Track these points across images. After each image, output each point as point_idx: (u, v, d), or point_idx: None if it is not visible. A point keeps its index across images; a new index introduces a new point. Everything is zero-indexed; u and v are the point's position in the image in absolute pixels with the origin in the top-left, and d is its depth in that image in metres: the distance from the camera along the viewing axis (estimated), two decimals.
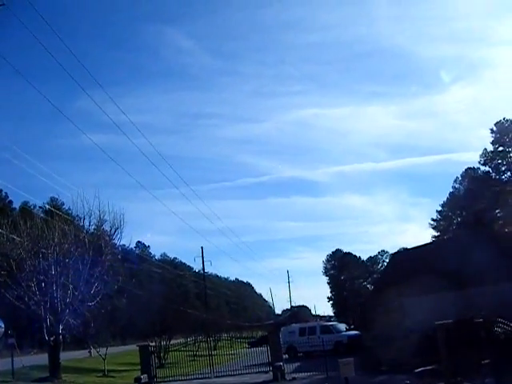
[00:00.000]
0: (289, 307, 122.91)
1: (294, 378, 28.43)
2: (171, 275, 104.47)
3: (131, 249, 73.40)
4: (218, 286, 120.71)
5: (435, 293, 27.82)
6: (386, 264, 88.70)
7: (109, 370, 37.90)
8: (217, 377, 31.39)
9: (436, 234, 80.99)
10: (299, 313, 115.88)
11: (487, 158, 72.82)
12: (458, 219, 78.93)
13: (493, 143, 71.60)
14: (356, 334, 40.06)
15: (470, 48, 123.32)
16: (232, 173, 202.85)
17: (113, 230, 34.23)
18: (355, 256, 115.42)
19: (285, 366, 29.58)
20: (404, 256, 42.83)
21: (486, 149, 72.68)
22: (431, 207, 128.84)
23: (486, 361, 19.52)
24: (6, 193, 77.14)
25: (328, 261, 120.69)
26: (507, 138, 70.43)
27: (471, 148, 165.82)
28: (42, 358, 35.51)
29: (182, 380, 31.37)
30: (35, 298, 30.62)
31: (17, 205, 75.00)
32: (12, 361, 31.16)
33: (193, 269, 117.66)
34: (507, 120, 69.73)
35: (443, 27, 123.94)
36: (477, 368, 19.35)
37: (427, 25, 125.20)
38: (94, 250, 32.63)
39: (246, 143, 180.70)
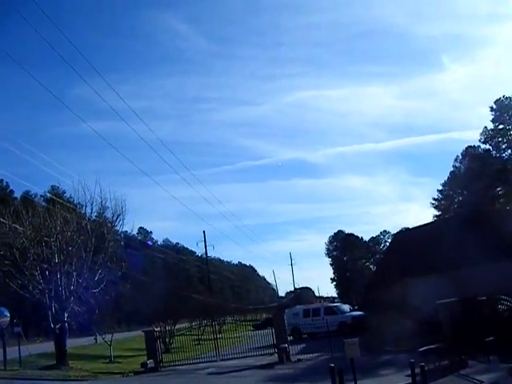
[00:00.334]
0: (292, 289, 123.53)
1: (299, 360, 28.59)
2: (174, 260, 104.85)
3: (133, 235, 73.78)
4: (220, 269, 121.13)
5: (438, 272, 27.91)
6: (388, 244, 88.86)
7: (115, 356, 38.07)
8: (222, 360, 31.52)
9: (437, 213, 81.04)
10: (303, 294, 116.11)
11: (487, 136, 72.67)
12: (459, 198, 78.91)
13: (493, 121, 71.46)
14: (360, 315, 40.20)
15: (469, 26, 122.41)
16: (232, 156, 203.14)
17: (115, 217, 34.30)
18: (357, 237, 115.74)
19: (290, 347, 29.70)
20: (406, 236, 42.93)
21: (486, 127, 72.57)
22: (432, 187, 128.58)
23: (490, 338, 19.62)
24: (7, 182, 77.30)
25: (330, 242, 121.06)
26: (507, 115, 70.29)
27: (471, 126, 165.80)
28: (49, 346, 35.70)
29: (188, 364, 31.51)
30: (39, 287, 30.75)
31: (18, 194, 75.17)
32: (19, 349, 31.31)
33: (195, 253, 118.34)
34: (507, 98, 69.53)
35: (442, 5, 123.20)
36: (481, 346, 19.47)
37: (425, 3, 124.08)
38: (97, 237, 32.74)
39: (245, 126, 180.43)
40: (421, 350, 18.05)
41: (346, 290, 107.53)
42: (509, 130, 70.67)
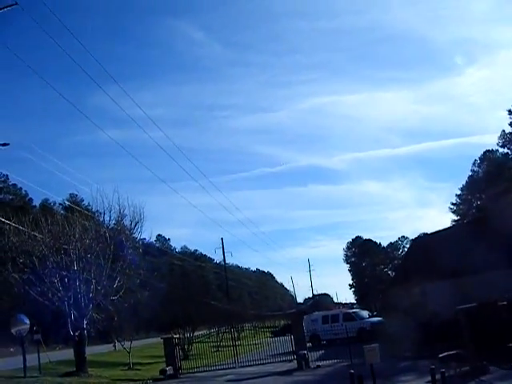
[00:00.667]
0: (311, 295, 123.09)
1: (318, 366, 28.45)
2: (192, 267, 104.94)
3: (151, 242, 73.96)
4: (239, 276, 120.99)
5: (457, 277, 27.73)
6: (406, 250, 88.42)
7: (134, 363, 38.19)
8: (241, 367, 31.46)
9: (456, 218, 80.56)
10: (321, 301, 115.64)
11: (505, 139, 72.20)
12: (477, 202, 78.41)
13: (511, 124, 70.93)
14: (379, 321, 40.00)
15: (485, 30, 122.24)
16: (248, 163, 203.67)
17: (133, 224, 34.41)
18: (375, 243, 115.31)
19: (309, 354, 29.58)
20: (424, 241, 42.74)
21: (503, 130, 72.16)
22: (449, 192, 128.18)
23: (511, 344, 19.43)
24: (25, 191, 77.74)
25: (348, 248, 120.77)
26: None
27: (489, 130, 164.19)
28: (68, 353, 35.85)
29: (206, 371, 31.50)
30: (59, 294, 30.88)
31: (37, 202, 75.88)
32: (38, 356, 31.48)
33: (213, 260, 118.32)
34: None
35: (457, 9, 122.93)
36: (502, 351, 19.28)
37: (442, 8, 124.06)
38: (115, 245, 32.83)
39: (261, 133, 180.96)
40: (441, 355, 17.93)
41: (365, 295, 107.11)
42: None
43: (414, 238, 67.32)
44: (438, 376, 14.48)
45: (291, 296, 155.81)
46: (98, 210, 35.89)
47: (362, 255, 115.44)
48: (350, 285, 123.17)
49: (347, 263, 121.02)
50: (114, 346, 48.75)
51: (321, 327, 43.17)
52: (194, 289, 70.74)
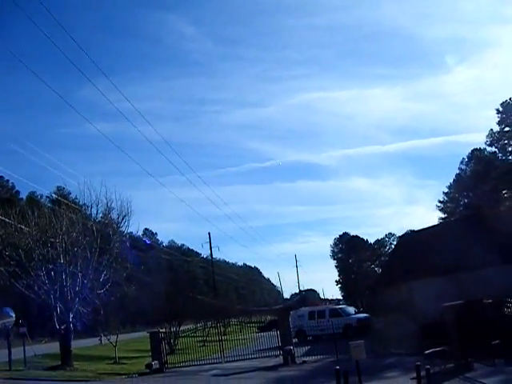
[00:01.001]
0: (297, 291, 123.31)
1: (304, 362, 28.51)
2: (179, 262, 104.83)
3: (139, 236, 73.84)
4: (226, 271, 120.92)
5: (443, 274, 27.81)
6: (393, 247, 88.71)
7: (120, 357, 38.08)
8: (227, 362, 31.48)
9: (443, 215, 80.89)
10: (308, 297, 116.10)
11: (493, 138, 72.56)
12: (464, 201, 78.76)
13: (499, 123, 71.36)
14: (365, 317, 40.19)
15: (474, 28, 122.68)
16: (237, 158, 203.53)
17: (120, 218, 34.39)
18: (362, 239, 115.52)
19: (295, 349, 29.62)
20: (411, 238, 42.83)
21: (492, 129, 72.49)
22: (437, 189, 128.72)
23: (496, 341, 19.56)
24: (12, 183, 77.55)
25: (335, 244, 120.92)
26: None
27: (477, 129, 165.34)
28: (54, 347, 35.78)
29: (192, 365, 31.50)
30: (45, 287, 30.79)
31: (24, 195, 75.57)
32: (24, 349, 31.38)
33: (201, 255, 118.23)
34: None
35: (446, 8, 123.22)
36: (486, 349, 19.40)
37: (430, 5, 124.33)
38: (102, 238, 32.78)
39: (250, 128, 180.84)
40: (426, 352, 17.99)
41: (351, 292, 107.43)
42: None
43: (400, 235, 67.59)
44: (423, 372, 14.55)
45: (278, 291, 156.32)
46: (85, 204, 35.84)
47: (349, 251, 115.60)
48: (336, 281, 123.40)
49: (334, 259, 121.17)
50: (100, 339, 48.66)
51: (307, 323, 43.27)
52: (181, 283, 70.64)
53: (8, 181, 76.72)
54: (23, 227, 31.04)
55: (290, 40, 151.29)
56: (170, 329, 44.96)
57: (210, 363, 31.61)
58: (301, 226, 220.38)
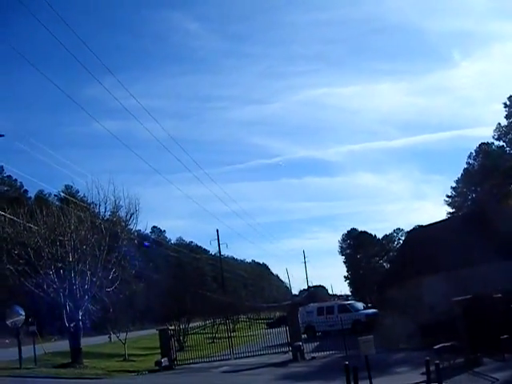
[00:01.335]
0: (306, 287, 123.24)
1: (313, 358, 28.53)
2: (188, 259, 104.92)
3: (147, 234, 74.00)
4: (234, 268, 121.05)
5: (452, 269, 27.76)
6: (401, 242, 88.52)
7: (129, 355, 38.22)
8: (236, 358, 31.49)
9: (451, 210, 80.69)
10: (316, 293, 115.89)
11: (501, 132, 72.30)
12: (472, 195, 78.54)
13: (506, 117, 71.05)
14: (374, 312, 40.11)
15: (480, 22, 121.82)
16: (244, 155, 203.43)
17: (128, 216, 34.44)
18: (370, 235, 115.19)
19: (304, 345, 29.68)
20: (419, 233, 42.75)
21: (499, 123, 72.25)
22: (445, 184, 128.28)
23: (505, 336, 19.49)
24: (21, 182, 77.86)
25: (344, 240, 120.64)
26: None
27: (484, 123, 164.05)
28: (63, 345, 35.88)
29: (202, 362, 31.52)
30: (54, 286, 30.89)
31: (32, 194, 75.87)
32: (34, 348, 31.52)
33: (209, 252, 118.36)
34: None
35: (452, 2, 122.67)
36: (496, 343, 19.34)
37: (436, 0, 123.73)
38: (111, 236, 32.84)
39: (256, 125, 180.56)
40: (435, 347, 17.95)
41: (360, 287, 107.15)
42: None
43: (409, 230, 67.46)
44: (432, 368, 14.52)
45: (286, 288, 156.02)
46: (93, 202, 35.91)
47: (357, 247, 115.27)
48: (345, 277, 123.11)
49: (342, 255, 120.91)
50: (110, 337, 48.76)
51: (316, 319, 43.20)
52: (190, 280, 70.89)
53: (16, 180, 77.14)
54: (32, 226, 31.13)
55: (296, 36, 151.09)
56: (179, 326, 44.98)
57: (219, 360, 31.64)
58: (309, 222, 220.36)
